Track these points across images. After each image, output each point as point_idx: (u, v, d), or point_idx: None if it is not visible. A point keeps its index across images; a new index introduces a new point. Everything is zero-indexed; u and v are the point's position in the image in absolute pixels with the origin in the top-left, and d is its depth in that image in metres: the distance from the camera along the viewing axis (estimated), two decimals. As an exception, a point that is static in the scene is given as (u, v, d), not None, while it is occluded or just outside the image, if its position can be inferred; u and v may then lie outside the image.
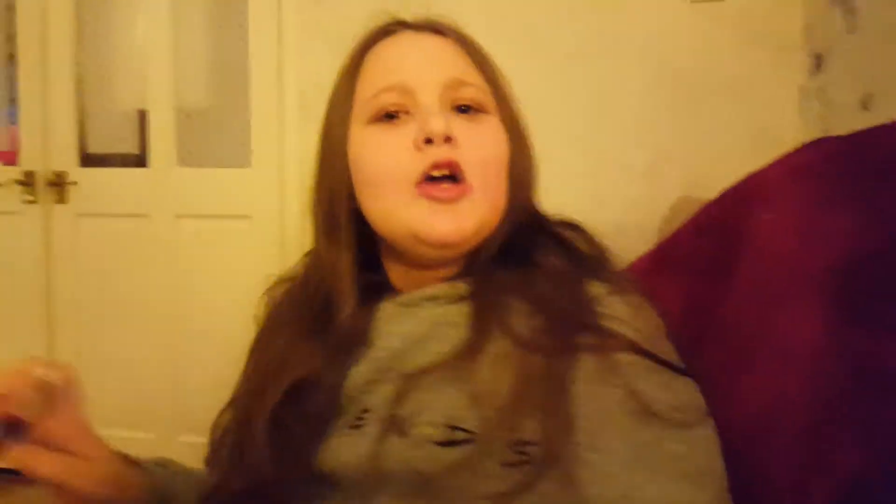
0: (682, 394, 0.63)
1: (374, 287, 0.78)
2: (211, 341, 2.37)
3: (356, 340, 0.72)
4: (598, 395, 0.61)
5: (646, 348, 0.63)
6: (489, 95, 0.76)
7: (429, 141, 0.69)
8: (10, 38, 2.64)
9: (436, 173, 0.69)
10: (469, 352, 0.65)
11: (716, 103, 2.03)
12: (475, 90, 0.75)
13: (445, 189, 0.69)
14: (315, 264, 0.79)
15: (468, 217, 0.70)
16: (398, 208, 0.71)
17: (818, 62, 1.86)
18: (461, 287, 0.72)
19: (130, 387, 2.54)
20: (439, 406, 0.64)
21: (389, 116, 0.73)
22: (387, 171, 0.71)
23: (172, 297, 2.52)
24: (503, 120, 0.76)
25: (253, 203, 2.42)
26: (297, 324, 0.76)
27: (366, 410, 0.68)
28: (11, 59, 2.64)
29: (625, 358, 0.62)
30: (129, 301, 2.55)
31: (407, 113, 0.73)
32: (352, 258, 0.75)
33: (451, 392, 0.64)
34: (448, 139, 0.70)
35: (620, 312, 0.65)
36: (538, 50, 2.12)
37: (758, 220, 0.78)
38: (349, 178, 0.75)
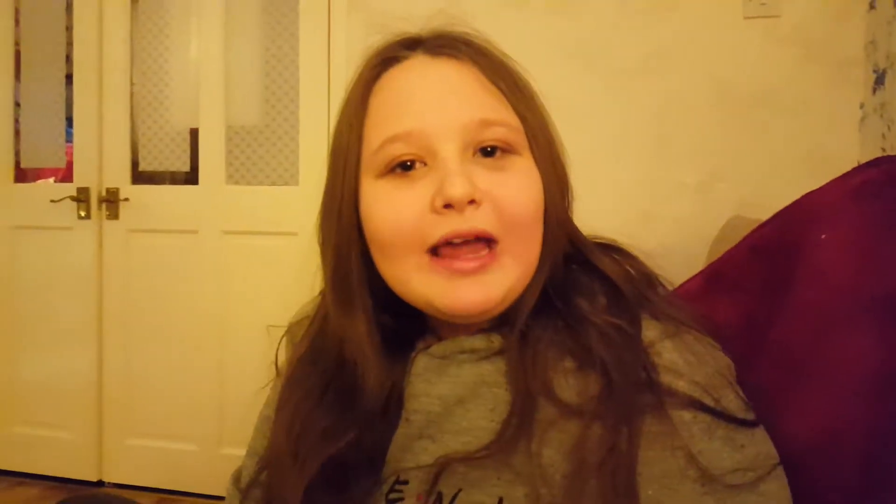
0: (747, 447, 0.58)
1: (404, 331, 0.70)
2: (256, 357, 2.39)
3: (389, 403, 0.67)
4: (659, 462, 0.56)
5: (705, 403, 0.57)
6: (519, 132, 0.65)
7: (449, 206, 0.60)
8: (68, 59, 2.73)
9: (456, 240, 0.61)
10: (514, 430, 0.59)
11: (771, 120, 2.00)
12: (502, 130, 0.63)
13: (469, 259, 0.61)
14: (329, 326, 0.70)
15: (497, 285, 0.61)
16: (413, 276, 0.63)
17: (880, 78, 1.81)
18: (497, 340, 0.65)
19: (176, 399, 2.59)
20: (485, 484, 0.60)
21: (403, 167, 0.63)
22: (400, 234, 0.62)
23: (219, 312, 2.56)
24: (536, 156, 0.66)
25: (300, 220, 2.43)
26: (323, 386, 0.70)
27: (403, 481, 0.65)
28: (68, 79, 2.72)
29: (684, 416, 0.57)
30: (177, 315, 2.59)
31: (424, 164, 0.63)
32: (368, 325, 0.67)
33: (497, 468, 0.60)
34: (471, 201, 0.60)
35: (676, 362, 0.59)
36: (592, 66, 2.13)
37: (814, 241, 0.75)
38: (360, 237, 0.66)
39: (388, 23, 0.72)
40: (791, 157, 1.98)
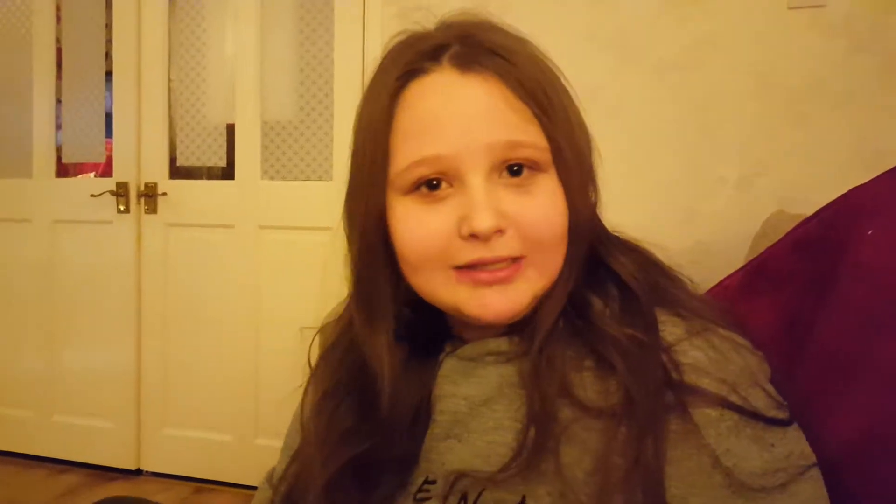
0: (777, 447, 0.56)
1: (430, 331, 0.72)
2: (290, 349, 2.41)
3: (420, 407, 0.68)
4: (685, 460, 0.56)
5: (732, 400, 0.56)
6: (546, 150, 0.64)
7: (474, 236, 0.61)
8: (107, 56, 2.77)
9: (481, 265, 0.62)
10: (533, 441, 0.60)
11: (816, 113, 1.95)
12: (529, 150, 0.63)
13: (495, 271, 0.62)
14: (353, 329, 0.71)
15: (522, 293, 0.63)
16: (440, 288, 0.64)
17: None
18: (517, 343, 0.66)
19: (211, 390, 2.62)
20: (509, 482, 0.60)
21: (430, 185, 0.63)
22: (427, 255, 0.63)
23: (255, 305, 2.58)
24: (561, 173, 0.65)
25: (334, 215, 2.42)
26: (346, 386, 0.71)
27: (431, 481, 0.65)
28: (108, 76, 2.77)
29: (710, 414, 0.56)
30: (214, 307, 2.63)
31: (450, 185, 0.63)
32: (389, 340, 0.68)
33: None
34: (497, 231, 0.61)
35: (700, 360, 0.58)
36: (632, 58, 2.10)
37: (860, 237, 0.73)
38: (386, 249, 0.66)
39: (421, 18, 0.70)
40: (836, 150, 1.93)
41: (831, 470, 0.59)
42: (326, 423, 0.70)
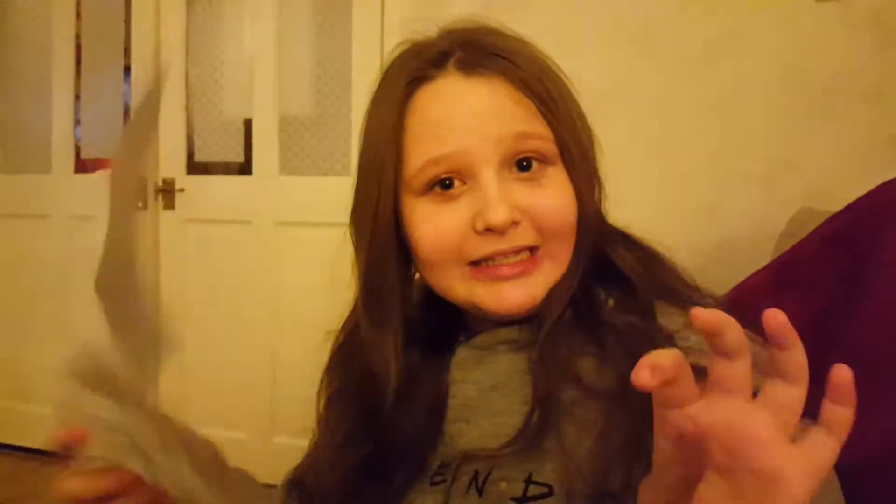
0: None
1: (442, 326, 0.74)
2: (308, 347, 2.41)
3: (437, 398, 0.70)
4: None
5: None
6: (551, 142, 0.67)
7: (490, 230, 0.63)
8: (126, 51, 2.78)
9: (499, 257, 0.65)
10: (536, 425, 0.61)
11: (845, 108, 1.92)
12: (537, 142, 0.66)
13: (512, 265, 0.65)
14: (360, 334, 0.73)
15: (539, 285, 0.66)
16: (456, 284, 0.67)
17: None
18: (526, 332, 0.68)
19: (229, 388, 2.62)
20: (515, 461, 0.62)
21: (443, 185, 0.66)
22: (443, 252, 0.66)
23: (272, 302, 2.58)
24: (568, 164, 0.67)
25: (351, 211, 2.43)
26: (352, 390, 0.74)
27: (445, 464, 0.67)
28: (126, 71, 2.77)
29: None
30: (231, 303, 2.63)
31: (463, 182, 0.66)
32: (398, 341, 0.69)
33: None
34: (512, 223, 0.63)
35: (703, 342, 0.59)
36: (657, 52, 2.07)
37: (891, 233, 0.72)
38: (397, 251, 0.69)
39: (422, 28, 0.73)
40: (865, 146, 1.90)
41: (866, 469, 0.58)
42: (332, 427, 0.73)
